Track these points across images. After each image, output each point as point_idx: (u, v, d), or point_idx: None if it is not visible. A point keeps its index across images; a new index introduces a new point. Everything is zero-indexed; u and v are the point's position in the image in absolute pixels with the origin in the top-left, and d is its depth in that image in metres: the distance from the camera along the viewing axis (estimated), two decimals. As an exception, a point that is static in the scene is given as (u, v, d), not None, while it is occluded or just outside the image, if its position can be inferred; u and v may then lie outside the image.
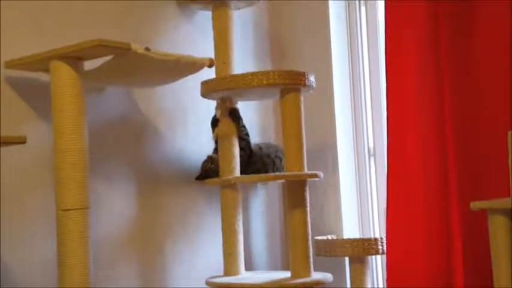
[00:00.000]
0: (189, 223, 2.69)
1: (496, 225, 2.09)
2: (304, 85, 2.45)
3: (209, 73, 2.49)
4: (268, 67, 3.10)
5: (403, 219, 2.58)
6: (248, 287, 2.44)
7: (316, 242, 2.74)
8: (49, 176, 2.09)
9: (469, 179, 2.49)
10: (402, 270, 2.57)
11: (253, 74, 2.42)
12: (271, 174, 2.64)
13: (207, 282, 2.51)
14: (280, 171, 2.70)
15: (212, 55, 2.58)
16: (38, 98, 2.19)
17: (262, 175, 2.64)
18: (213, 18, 2.68)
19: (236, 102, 2.62)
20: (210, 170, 2.61)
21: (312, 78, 2.48)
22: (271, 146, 2.81)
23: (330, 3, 3.02)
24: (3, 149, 2.04)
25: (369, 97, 3.04)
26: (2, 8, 2.15)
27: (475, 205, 2.15)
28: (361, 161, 3.04)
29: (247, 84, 2.40)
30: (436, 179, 2.54)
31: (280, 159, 2.72)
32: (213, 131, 2.62)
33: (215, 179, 2.58)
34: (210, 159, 2.62)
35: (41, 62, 2.03)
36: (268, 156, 2.72)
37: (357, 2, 3.08)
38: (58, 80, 2.00)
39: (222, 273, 2.59)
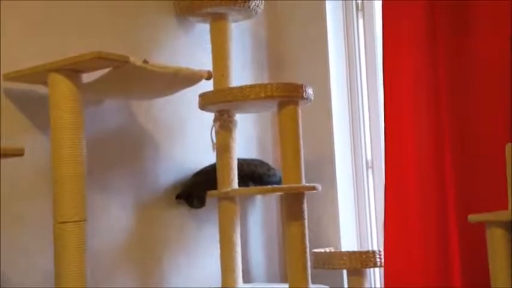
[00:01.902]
0: (187, 235, 2.69)
1: (494, 237, 2.09)
2: (302, 98, 2.45)
3: (207, 85, 2.50)
4: (266, 80, 3.10)
5: (401, 232, 2.58)
6: (246, 299, 2.44)
7: (314, 255, 2.74)
8: (47, 188, 2.08)
9: (467, 191, 2.49)
10: (400, 282, 2.56)
11: (251, 86, 2.42)
12: (269, 186, 2.63)
13: (204, 295, 2.51)
14: (259, 175, 2.70)
15: (210, 67, 2.59)
16: (37, 111, 2.20)
17: (260, 187, 2.64)
18: (211, 30, 2.69)
19: (234, 115, 2.62)
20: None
21: (309, 90, 2.49)
22: (246, 159, 2.80)
23: (328, 15, 3.03)
24: (1, 161, 2.04)
25: (366, 109, 3.05)
26: (1, 20, 2.16)
27: (473, 218, 2.15)
28: (359, 173, 3.04)
29: (245, 97, 2.40)
30: (434, 192, 2.54)
31: (255, 166, 2.73)
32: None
33: (213, 191, 2.58)
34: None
35: (39, 75, 2.03)
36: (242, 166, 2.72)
37: (355, 13, 3.09)
38: (56, 93, 2.00)
39: (220, 285, 2.59)
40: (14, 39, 2.18)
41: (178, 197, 2.64)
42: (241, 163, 2.70)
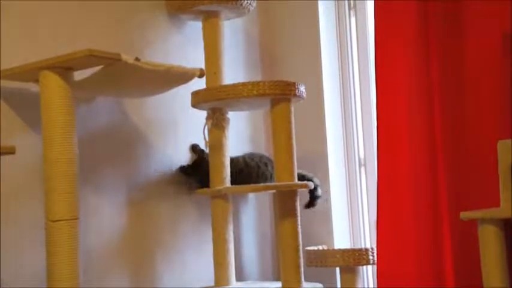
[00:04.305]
0: (180, 233, 2.69)
1: (486, 234, 2.10)
2: (295, 95, 2.45)
3: (200, 83, 2.49)
4: (259, 77, 3.10)
5: (394, 229, 2.58)
6: (239, 297, 2.44)
7: (307, 252, 2.74)
8: (39, 186, 2.08)
9: (459, 188, 2.49)
10: (393, 280, 2.57)
11: (243, 84, 2.42)
12: (262, 184, 2.63)
13: (197, 293, 2.51)
14: (266, 177, 2.69)
15: (203, 65, 2.58)
16: (28, 108, 2.19)
17: (253, 185, 2.63)
18: (203, 28, 2.69)
19: (227, 113, 2.62)
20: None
21: (302, 88, 2.49)
22: (254, 155, 2.80)
23: (320, 13, 3.03)
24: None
25: (359, 107, 3.05)
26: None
27: (465, 215, 2.16)
28: (352, 170, 3.05)
29: (238, 95, 2.41)
30: (427, 189, 2.54)
31: (266, 165, 2.72)
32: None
33: (206, 190, 2.58)
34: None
35: (31, 72, 2.02)
36: (250, 165, 2.71)
37: (347, 12, 3.10)
38: (48, 90, 1.99)
39: (212, 283, 2.59)
40: (7, 39, 2.17)
41: (183, 169, 2.64)
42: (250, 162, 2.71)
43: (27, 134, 2.20)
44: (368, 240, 3.01)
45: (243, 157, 2.72)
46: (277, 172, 2.48)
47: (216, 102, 2.48)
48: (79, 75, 2.08)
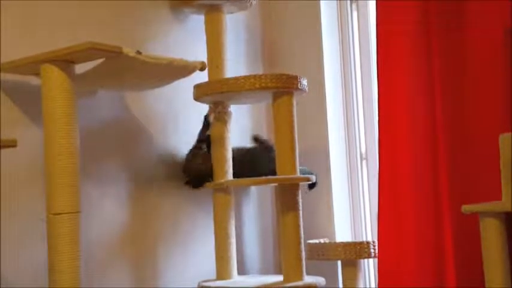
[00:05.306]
0: (181, 227, 2.69)
1: (488, 228, 2.10)
2: (297, 89, 2.45)
3: (202, 77, 2.49)
4: (261, 71, 3.10)
5: (395, 223, 2.59)
6: (240, 291, 2.44)
7: (309, 246, 2.74)
8: (40, 179, 2.08)
9: (461, 182, 2.49)
10: (394, 273, 2.57)
11: (245, 77, 2.42)
12: (263, 178, 2.63)
13: (199, 286, 2.51)
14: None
15: (205, 59, 2.58)
16: (29, 102, 2.19)
17: (254, 178, 2.63)
18: (205, 22, 2.68)
19: (229, 106, 2.62)
20: (202, 171, 2.60)
21: (304, 82, 2.49)
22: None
23: (322, 7, 3.03)
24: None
25: (360, 101, 3.05)
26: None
27: (467, 208, 2.16)
28: (353, 164, 3.04)
29: (240, 88, 2.40)
30: (428, 183, 2.54)
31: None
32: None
33: (208, 183, 2.57)
34: (199, 157, 2.61)
35: (32, 66, 2.02)
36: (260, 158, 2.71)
37: (349, 6, 3.09)
38: (49, 84, 1.99)
39: (214, 277, 2.59)
40: (8, 33, 2.17)
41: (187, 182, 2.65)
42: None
43: (28, 127, 2.20)
44: (369, 233, 3.01)
45: (254, 149, 2.72)
46: (279, 165, 2.47)
47: (218, 95, 2.47)
48: (80, 68, 2.08)
